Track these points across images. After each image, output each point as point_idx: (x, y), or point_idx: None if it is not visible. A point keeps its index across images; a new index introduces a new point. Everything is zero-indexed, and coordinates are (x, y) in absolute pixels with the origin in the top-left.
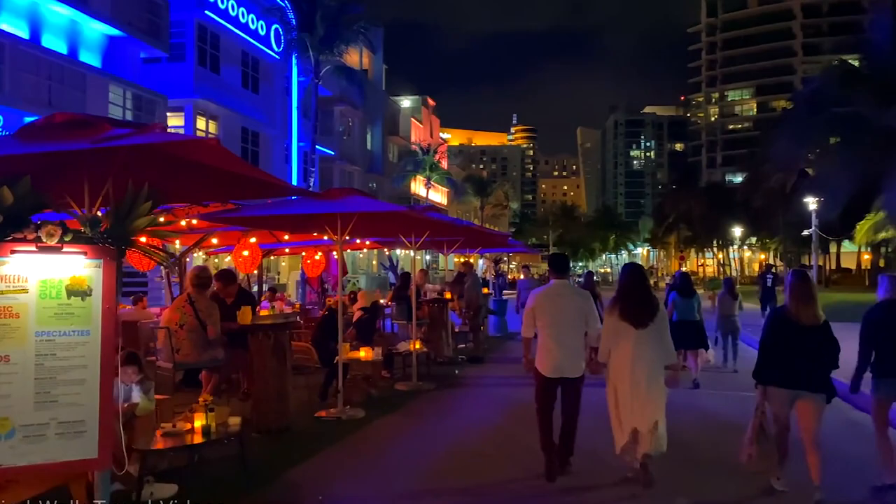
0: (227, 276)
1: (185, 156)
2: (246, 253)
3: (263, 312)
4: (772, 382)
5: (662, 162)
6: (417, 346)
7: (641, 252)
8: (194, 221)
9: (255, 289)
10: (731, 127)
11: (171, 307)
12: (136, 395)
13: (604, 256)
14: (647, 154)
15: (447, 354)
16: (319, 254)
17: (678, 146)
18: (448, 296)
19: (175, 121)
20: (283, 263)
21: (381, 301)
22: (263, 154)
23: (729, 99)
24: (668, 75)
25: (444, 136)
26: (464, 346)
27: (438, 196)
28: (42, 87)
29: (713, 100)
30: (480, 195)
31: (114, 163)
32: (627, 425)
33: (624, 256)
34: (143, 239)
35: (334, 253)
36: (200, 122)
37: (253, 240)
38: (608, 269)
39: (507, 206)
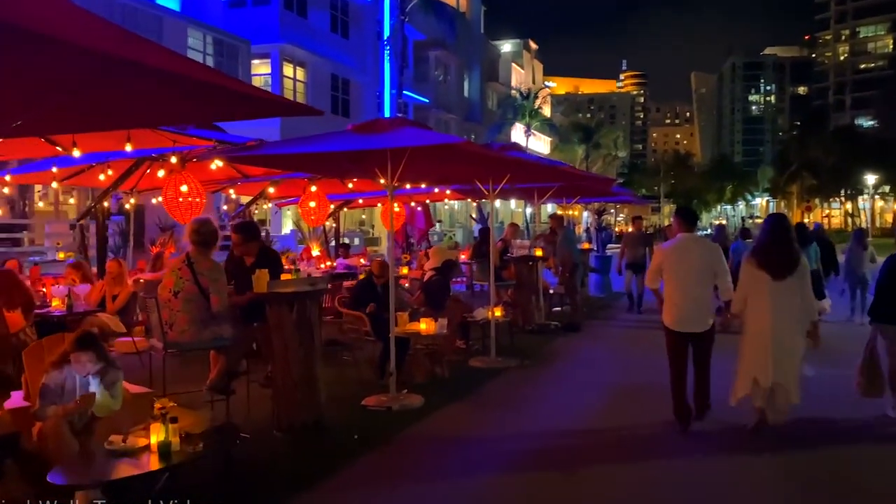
0: (246, 229)
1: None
2: (312, 204)
3: (285, 276)
4: (886, 321)
5: (784, 107)
6: (498, 313)
7: (760, 203)
8: (218, 164)
9: (333, 244)
10: (862, 66)
11: (167, 270)
12: (96, 390)
13: (719, 208)
14: (767, 99)
15: (537, 321)
16: (396, 205)
17: (801, 89)
18: (539, 252)
19: (261, 68)
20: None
21: (462, 257)
22: (354, 102)
23: (861, 36)
24: (791, 13)
25: (550, 84)
26: (560, 309)
27: (540, 145)
28: None
29: (842, 37)
30: (586, 143)
31: None
32: (753, 377)
33: (741, 207)
34: None
35: (414, 203)
36: (287, 69)
37: (314, 188)
38: (723, 221)
39: (616, 157)
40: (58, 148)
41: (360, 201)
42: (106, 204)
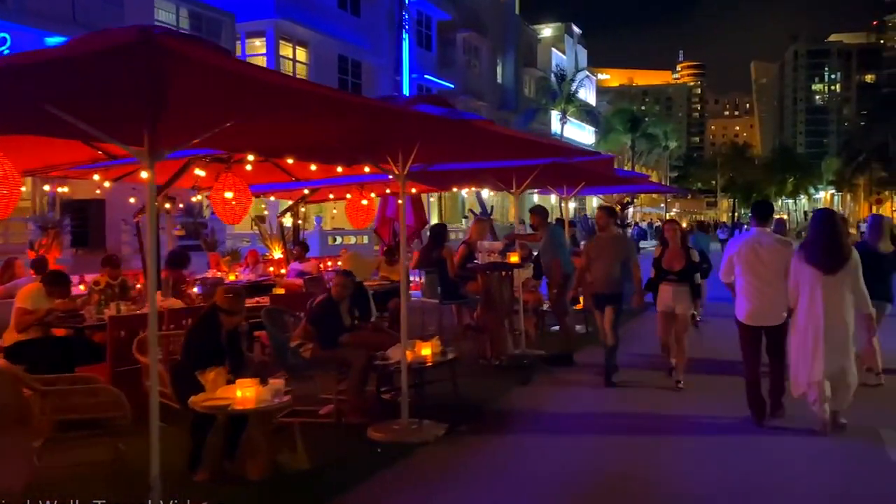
0: None
1: None
2: (229, 195)
3: None
4: None
5: (850, 96)
6: (426, 352)
7: (824, 196)
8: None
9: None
10: None
11: None
12: None
13: (780, 202)
14: (832, 88)
15: (509, 353)
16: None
17: (869, 77)
18: (514, 259)
19: (260, 48)
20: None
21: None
22: (367, 86)
23: None
24: None
25: (603, 76)
26: (558, 328)
27: (583, 135)
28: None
29: None
30: (632, 132)
31: None
32: (808, 372)
33: (803, 202)
34: None
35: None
36: (285, 49)
37: (200, 172)
38: (785, 216)
39: (666, 148)
40: None
41: (306, 191)
42: None
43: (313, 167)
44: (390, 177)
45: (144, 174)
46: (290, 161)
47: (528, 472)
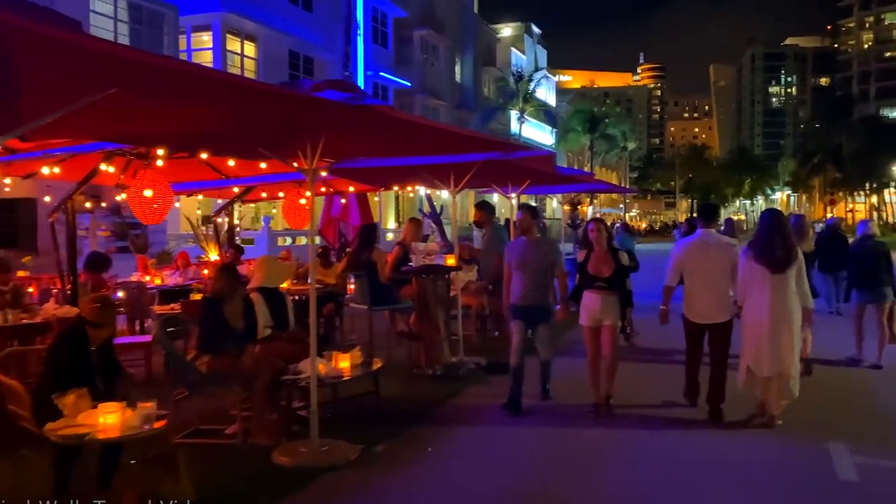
0: None
1: None
2: (149, 193)
3: None
4: None
5: (805, 99)
6: (344, 364)
7: (780, 197)
8: None
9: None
10: (888, 54)
11: None
12: None
13: (737, 202)
14: (789, 90)
15: (445, 361)
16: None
17: (823, 81)
18: (451, 261)
19: (207, 42)
20: None
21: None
22: None
23: (886, 22)
24: (813, 2)
25: (565, 77)
26: (498, 333)
27: (542, 135)
28: None
29: (867, 25)
30: (590, 133)
31: None
32: (746, 366)
33: (760, 202)
34: None
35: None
36: (233, 43)
37: (105, 168)
38: (742, 217)
39: (624, 148)
40: None
41: (236, 190)
42: None
43: (231, 163)
44: (323, 174)
45: (45, 170)
46: (204, 156)
47: (447, 499)
